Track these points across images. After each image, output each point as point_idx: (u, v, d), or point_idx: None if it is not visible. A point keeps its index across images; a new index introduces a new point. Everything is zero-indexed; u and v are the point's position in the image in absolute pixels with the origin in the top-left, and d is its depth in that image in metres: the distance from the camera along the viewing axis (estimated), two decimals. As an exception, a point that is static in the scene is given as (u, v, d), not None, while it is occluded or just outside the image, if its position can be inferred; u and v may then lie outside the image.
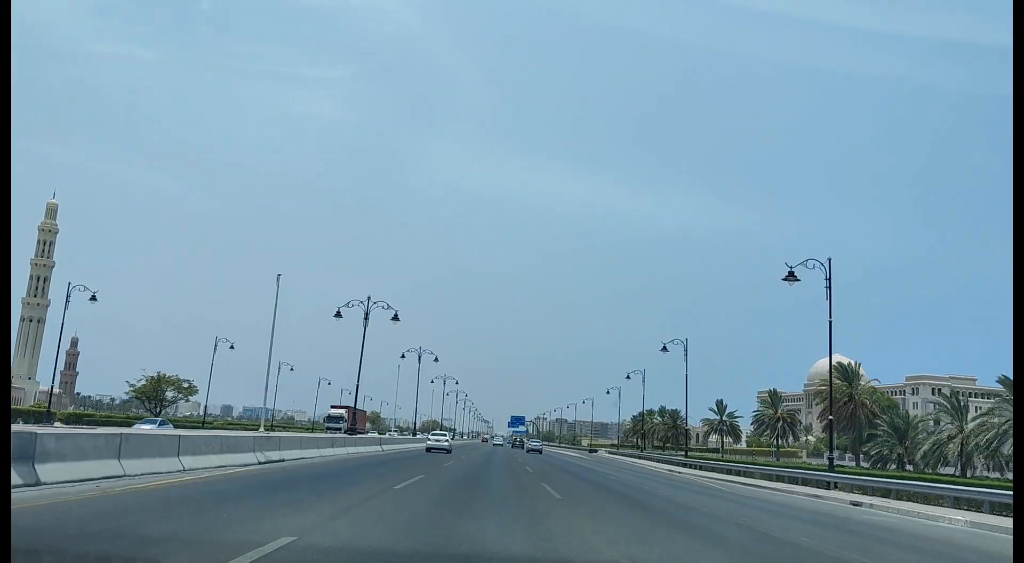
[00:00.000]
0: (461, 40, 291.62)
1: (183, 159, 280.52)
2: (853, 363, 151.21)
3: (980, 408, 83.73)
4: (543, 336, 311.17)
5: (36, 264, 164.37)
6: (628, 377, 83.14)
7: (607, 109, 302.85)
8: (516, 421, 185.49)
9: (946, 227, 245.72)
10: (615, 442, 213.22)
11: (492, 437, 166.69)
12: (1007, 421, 55.63)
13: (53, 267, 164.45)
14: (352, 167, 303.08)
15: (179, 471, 16.65)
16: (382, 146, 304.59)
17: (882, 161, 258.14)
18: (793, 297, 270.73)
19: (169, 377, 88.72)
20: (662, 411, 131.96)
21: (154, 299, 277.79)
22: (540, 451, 76.61)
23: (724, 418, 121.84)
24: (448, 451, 48.05)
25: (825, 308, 33.08)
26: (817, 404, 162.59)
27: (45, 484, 11.78)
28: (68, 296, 54.74)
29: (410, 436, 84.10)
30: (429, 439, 52.93)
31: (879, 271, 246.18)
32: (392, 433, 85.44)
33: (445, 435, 55.93)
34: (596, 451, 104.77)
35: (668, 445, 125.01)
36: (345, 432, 63.53)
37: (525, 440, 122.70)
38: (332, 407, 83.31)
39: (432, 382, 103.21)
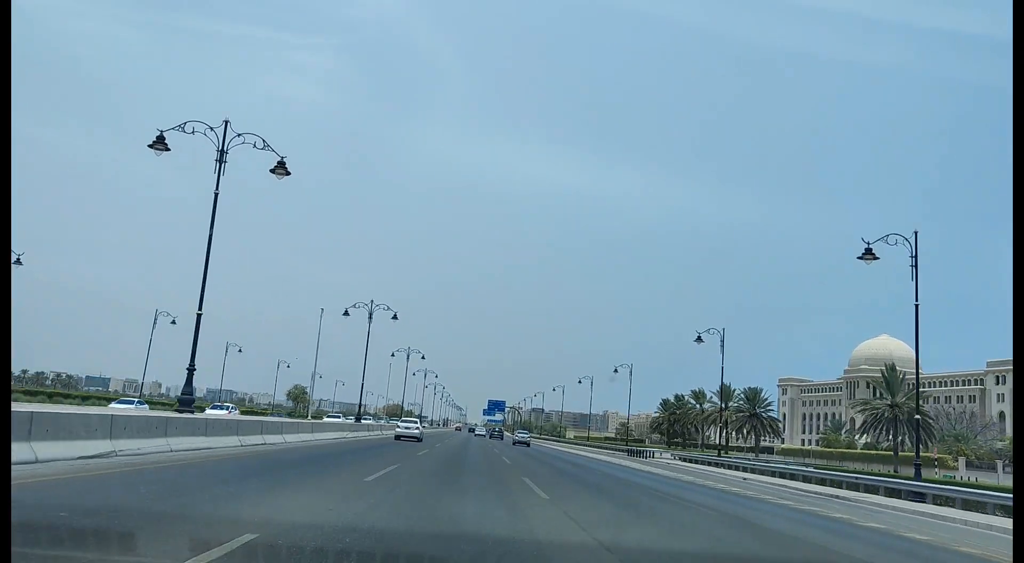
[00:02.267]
0: (447, 19, 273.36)
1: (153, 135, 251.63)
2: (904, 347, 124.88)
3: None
4: (523, 326, 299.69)
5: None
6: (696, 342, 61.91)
7: (605, 95, 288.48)
8: (494, 407, 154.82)
9: (951, 219, 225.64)
10: (609, 436, 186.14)
11: (474, 426, 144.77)
12: None
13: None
14: (334, 150, 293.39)
15: None
16: (364, 128, 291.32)
17: (896, 151, 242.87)
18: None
19: None
20: (726, 391, 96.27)
21: (125, 279, 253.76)
22: (527, 444, 69.05)
23: (897, 402, 73.06)
24: (419, 439, 46.11)
25: None
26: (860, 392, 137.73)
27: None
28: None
29: (347, 421, 56.23)
30: (399, 426, 50.64)
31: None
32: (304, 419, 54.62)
33: (416, 422, 52.89)
34: (649, 453, 67.25)
35: (709, 443, 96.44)
36: None
37: (503, 429, 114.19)
38: None
39: (414, 374, 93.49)
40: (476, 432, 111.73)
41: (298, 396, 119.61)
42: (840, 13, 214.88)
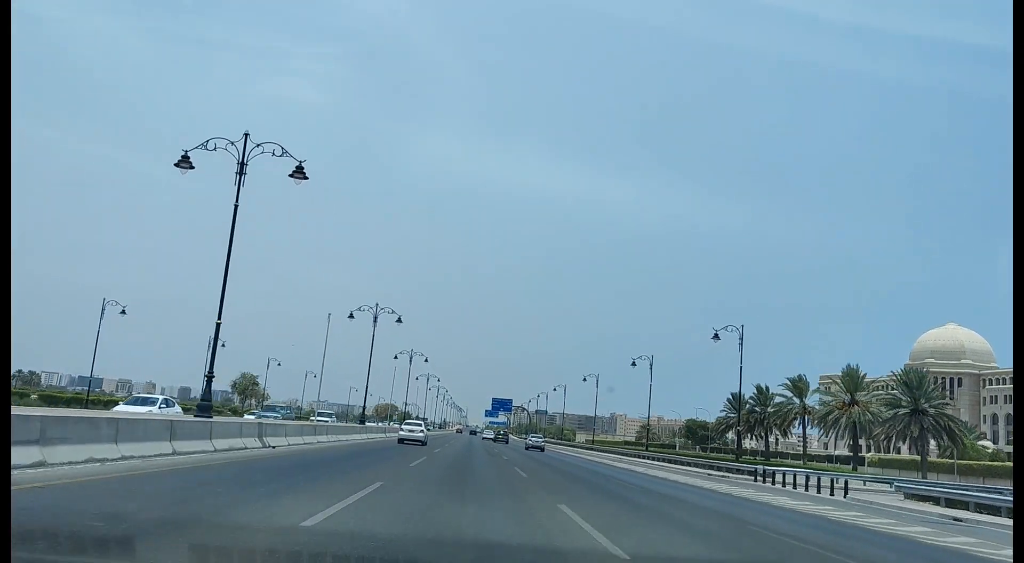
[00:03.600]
0: (450, 24, 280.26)
1: (158, 139, 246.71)
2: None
3: None
4: (525, 327, 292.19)
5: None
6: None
7: (600, 101, 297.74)
8: (498, 406, 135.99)
9: (937, 226, 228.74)
10: (628, 440, 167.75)
11: (475, 428, 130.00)
12: None
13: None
14: (334, 152, 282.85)
15: None
16: (367, 132, 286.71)
17: (875, 159, 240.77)
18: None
19: None
20: (853, 376, 67.20)
21: (122, 280, 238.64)
22: (542, 448, 64.55)
23: None
24: (424, 443, 42.27)
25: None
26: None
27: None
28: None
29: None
30: (402, 430, 47.03)
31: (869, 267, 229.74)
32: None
33: (420, 425, 48.63)
34: (792, 479, 36.82)
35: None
36: None
37: (508, 432, 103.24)
38: None
39: (396, 355, 77.95)
40: (483, 435, 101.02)
41: (246, 387, 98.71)
42: (832, 22, 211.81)
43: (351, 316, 50.69)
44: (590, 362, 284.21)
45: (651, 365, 65.62)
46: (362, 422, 56.10)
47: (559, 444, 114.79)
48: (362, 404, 63.29)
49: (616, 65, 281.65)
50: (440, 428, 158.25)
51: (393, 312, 50.90)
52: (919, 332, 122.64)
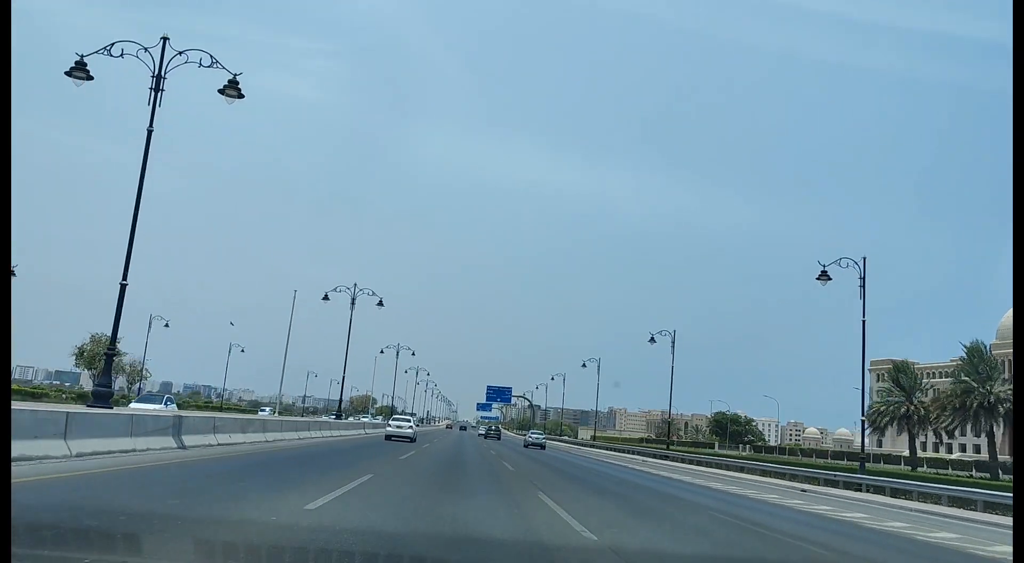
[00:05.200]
0: (448, 21, 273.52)
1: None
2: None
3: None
4: (518, 322, 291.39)
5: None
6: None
7: (600, 96, 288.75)
8: (494, 395, 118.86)
9: (947, 220, 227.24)
10: (646, 437, 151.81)
11: (465, 424, 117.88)
12: None
13: None
14: (330, 148, 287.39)
15: None
16: (361, 128, 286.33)
17: (885, 154, 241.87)
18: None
19: None
20: None
21: (109, 275, 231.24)
22: (543, 446, 62.41)
23: None
24: (412, 440, 40.55)
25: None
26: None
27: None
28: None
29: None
30: (390, 425, 44.62)
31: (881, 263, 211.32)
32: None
33: (409, 421, 46.27)
34: None
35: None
36: None
37: (500, 427, 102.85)
38: None
39: (382, 352, 79.05)
40: (478, 431, 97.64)
41: (95, 357, 62.72)
42: (828, 15, 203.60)
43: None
44: (587, 356, 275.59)
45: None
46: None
47: (559, 440, 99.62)
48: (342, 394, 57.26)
49: (616, 61, 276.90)
50: (428, 422, 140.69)
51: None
52: (952, 324, 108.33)
